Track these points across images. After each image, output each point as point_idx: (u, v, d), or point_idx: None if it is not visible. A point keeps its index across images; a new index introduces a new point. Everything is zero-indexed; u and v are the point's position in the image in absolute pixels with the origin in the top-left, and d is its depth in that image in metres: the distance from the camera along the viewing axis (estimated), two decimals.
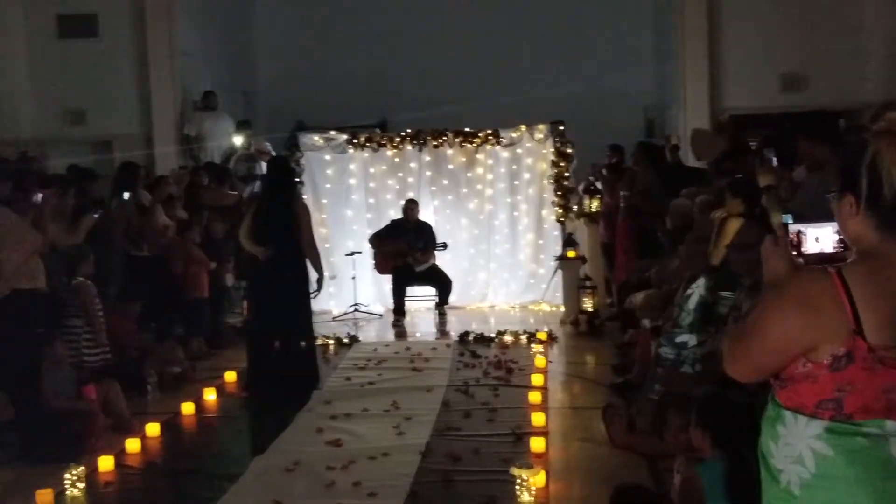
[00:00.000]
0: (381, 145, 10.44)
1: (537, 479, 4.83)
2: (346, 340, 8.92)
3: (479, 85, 14.26)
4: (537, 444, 5.59)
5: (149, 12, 12.24)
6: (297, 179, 8.76)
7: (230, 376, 7.58)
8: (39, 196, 6.77)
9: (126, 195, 8.12)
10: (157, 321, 8.26)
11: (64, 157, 10.84)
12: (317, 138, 10.50)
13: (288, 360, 7.30)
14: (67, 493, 5.14)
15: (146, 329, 7.97)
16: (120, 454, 5.78)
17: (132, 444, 5.93)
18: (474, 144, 10.45)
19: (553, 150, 10.26)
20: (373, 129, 12.03)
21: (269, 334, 7.30)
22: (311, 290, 7.37)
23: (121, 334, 7.31)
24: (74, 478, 5.20)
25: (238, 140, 12.10)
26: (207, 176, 10.45)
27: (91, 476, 5.37)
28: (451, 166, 10.59)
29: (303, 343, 7.36)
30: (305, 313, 7.41)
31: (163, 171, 11.10)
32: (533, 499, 4.74)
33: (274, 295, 7.18)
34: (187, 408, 6.78)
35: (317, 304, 10.51)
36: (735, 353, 2.28)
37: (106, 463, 5.57)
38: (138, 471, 5.62)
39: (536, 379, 7.13)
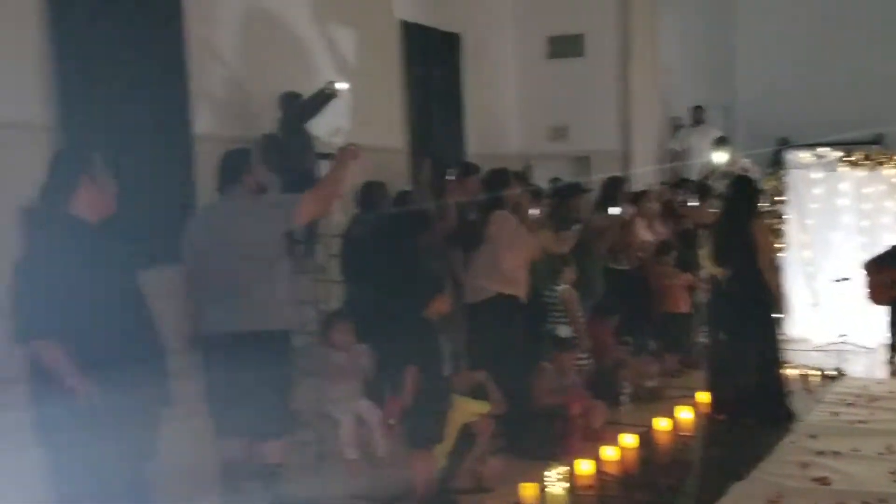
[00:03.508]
0: (879, 164, 9.60)
1: None
2: (830, 373, 8.30)
3: None
4: None
5: (633, 30, 12.47)
6: (759, 199, 8.34)
7: (703, 397, 7.38)
8: (534, 211, 7.05)
9: (615, 210, 8.26)
10: (634, 334, 8.30)
11: (545, 172, 11.38)
12: (804, 155, 9.94)
13: (757, 387, 6.95)
14: (549, 489, 5.30)
15: (622, 342, 8.04)
16: (598, 460, 5.86)
17: (610, 453, 6.00)
18: None
19: None
20: (865, 145, 11.09)
21: (731, 358, 7.00)
22: (773, 314, 6.96)
23: (598, 345, 7.44)
24: (557, 476, 5.35)
25: (717, 157, 11.86)
26: (687, 192, 10.34)
27: (571, 477, 5.49)
28: None
29: (770, 370, 6.98)
30: (770, 338, 7.02)
31: (638, 187, 11.22)
32: None
33: (738, 320, 6.90)
34: (661, 423, 6.73)
35: (796, 331, 10.00)
36: None
37: (586, 467, 5.68)
38: (616, 479, 5.67)
39: None
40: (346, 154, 5.13)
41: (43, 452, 3.74)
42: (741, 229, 6.91)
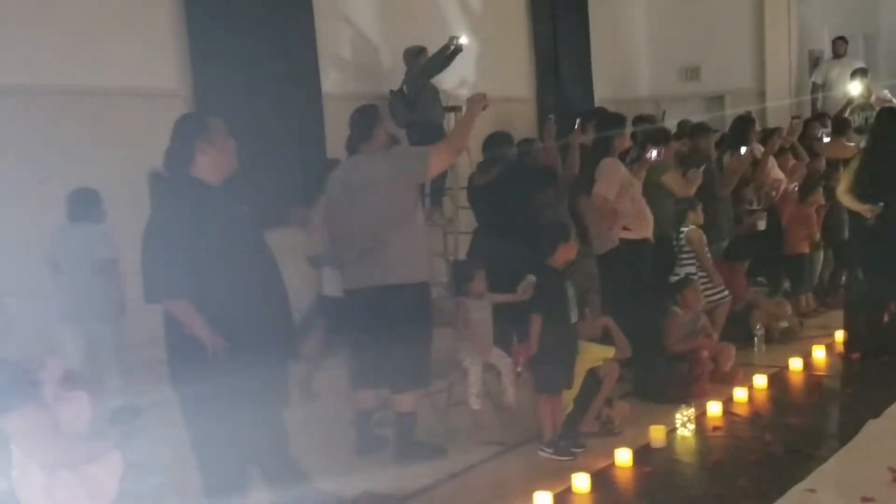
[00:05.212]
0: None
1: None
2: None
3: None
4: None
5: None
6: None
7: (840, 336, 7.22)
8: (653, 153, 6.97)
9: (743, 150, 8.07)
10: (766, 275, 8.15)
11: (678, 115, 11.18)
12: None
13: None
14: (678, 431, 5.36)
15: (754, 282, 7.90)
16: (727, 402, 5.87)
17: (739, 394, 5.99)
18: None
19: None
20: None
21: (876, 299, 6.80)
22: None
23: (729, 287, 7.34)
24: (685, 418, 5.40)
25: (854, 88, 11.35)
26: (822, 126, 9.98)
27: (699, 419, 5.53)
28: None
29: None
30: None
31: (775, 124, 10.88)
32: None
33: (882, 257, 6.68)
34: (795, 363, 6.66)
35: None
36: None
37: (714, 408, 5.70)
38: (745, 420, 5.66)
39: None
40: (475, 103, 5.19)
41: (179, 405, 3.96)
42: (891, 163, 6.64)
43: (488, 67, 10.44)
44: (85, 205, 6.15)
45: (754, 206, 8.36)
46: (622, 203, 6.23)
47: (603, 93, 12.07)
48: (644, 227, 6.40)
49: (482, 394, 5.66)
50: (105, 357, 6.21)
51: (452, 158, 5.38)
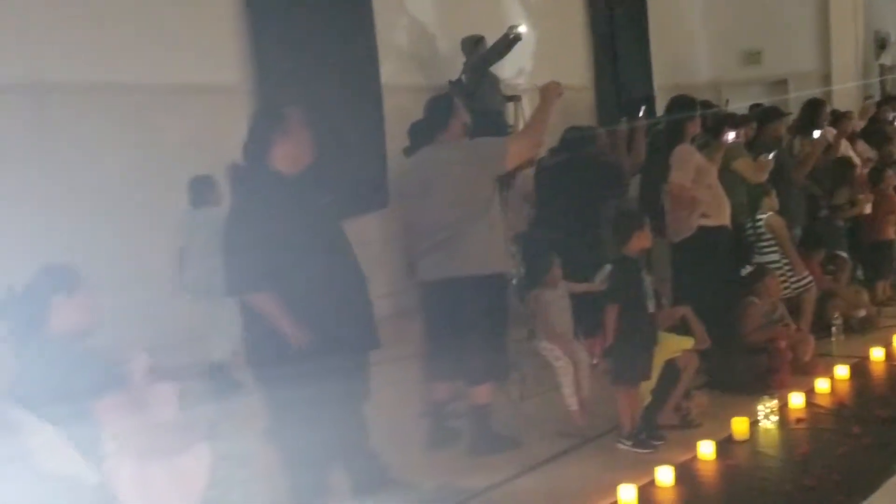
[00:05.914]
0: None
1: None
2: None
3: None
4: None
5: None
6: None
7: None
8: (731, 135, 6.79)
9: (817, 133, 7.84)
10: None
11: (739, 100, 10.93)
12: None
13: None
14: (761, 423, 5.21)
15: (828, 271, 7.69)
16: (809, 393, 5.70)
17: (821, 385, 5.82)
18: None
19: None
20: None
21: None
22: None
23: None
24: (768, 410, 5.25)
25: None
26: (893, 110, 9.71)
27: (781, 410, 5.36)
28: None
29: None
30: None
31: (841, 108, 10.60)
32: None
33: None
34: (876, 353, 6.46)
35: None
36: None
37: (797, 400, 5.54)
38: (828, 411, 5.49)
39: None
40: (549, 92, 5.02)
41: (262, 399, 3.91)
42: None
43: (546, 55, 10.30)
44: (205, 190, 6.40)
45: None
46: (699, 189, 6.07)
47: (662, 79, 11.85)
48: (722, 214, 6.22)
49: (576, 392, 5.48)
50: (217, 342, 6.26)
51: (531, 150, 5.25)
